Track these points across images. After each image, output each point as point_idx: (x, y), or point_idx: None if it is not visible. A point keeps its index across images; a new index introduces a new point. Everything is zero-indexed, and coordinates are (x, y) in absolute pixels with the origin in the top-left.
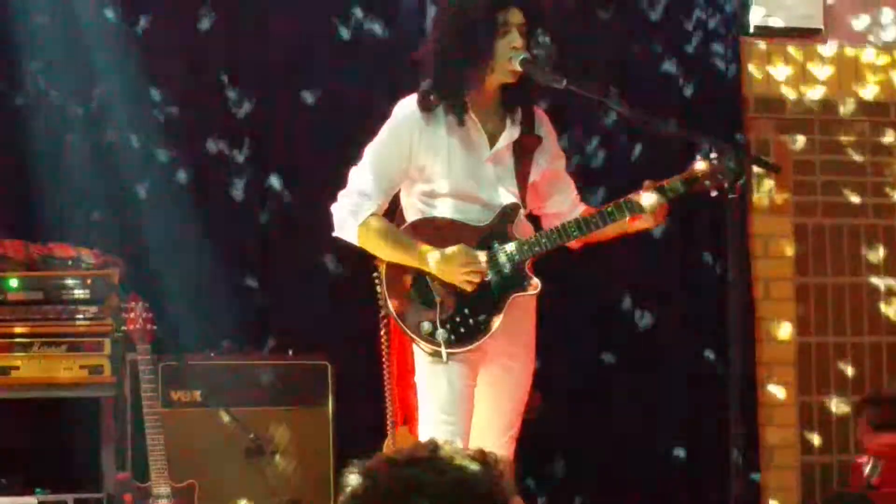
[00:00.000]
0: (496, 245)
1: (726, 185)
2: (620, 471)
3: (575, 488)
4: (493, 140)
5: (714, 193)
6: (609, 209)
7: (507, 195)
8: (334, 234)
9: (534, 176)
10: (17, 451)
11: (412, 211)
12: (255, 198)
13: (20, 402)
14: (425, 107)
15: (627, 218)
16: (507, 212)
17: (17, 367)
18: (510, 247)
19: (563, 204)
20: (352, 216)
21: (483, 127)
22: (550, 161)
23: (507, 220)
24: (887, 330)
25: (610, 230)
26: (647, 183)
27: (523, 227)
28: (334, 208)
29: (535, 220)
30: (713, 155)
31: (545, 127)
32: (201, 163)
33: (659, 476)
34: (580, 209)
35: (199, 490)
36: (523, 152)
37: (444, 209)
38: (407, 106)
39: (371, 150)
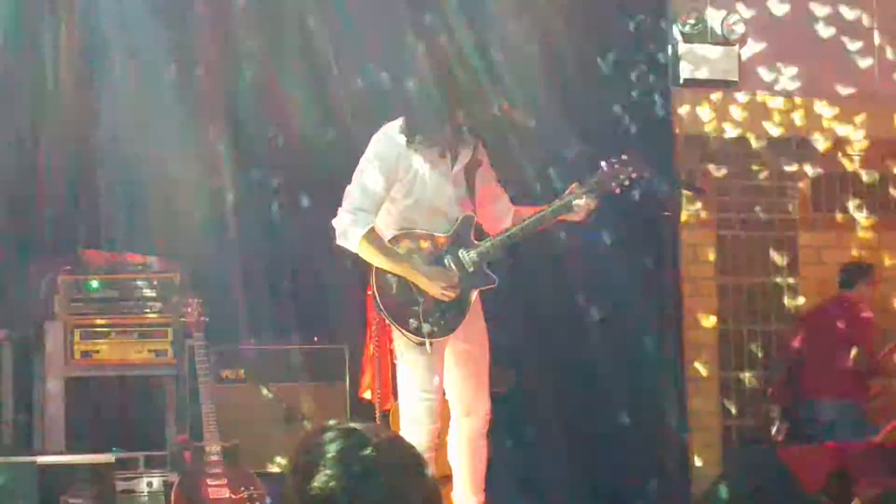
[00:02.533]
0: (461, 251)
1: (627, 184)
2: (579, 433)
3: (543, 447)
4: (453, 161)
5: (618, 191)
6: (544, 213)
7: (464, 208)
8: (337, 242)
9: (478, 190)
10: (98, 417)
11: (390, 223)
12: (288, 215)
13: (101, 379)
14: (409, 136)
15: (561, 215)
16: (466, 222)
17: (98, 351)
18: (473, 252)
19: (502, 209)
20: (354, 228)
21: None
22: (488, 177)
23: (467, 230)
24: (789, 319)
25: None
26: (573, 185)
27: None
28: (336, 222)
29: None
30: (613, 160)
31: (482, 150)
32: (245, 188)
33: (609, 436)
34: (513, 210)
35: (242, 448)
36: (471, 172)
37: (419, 222)
38: (390, 134)
39: (362, 173)
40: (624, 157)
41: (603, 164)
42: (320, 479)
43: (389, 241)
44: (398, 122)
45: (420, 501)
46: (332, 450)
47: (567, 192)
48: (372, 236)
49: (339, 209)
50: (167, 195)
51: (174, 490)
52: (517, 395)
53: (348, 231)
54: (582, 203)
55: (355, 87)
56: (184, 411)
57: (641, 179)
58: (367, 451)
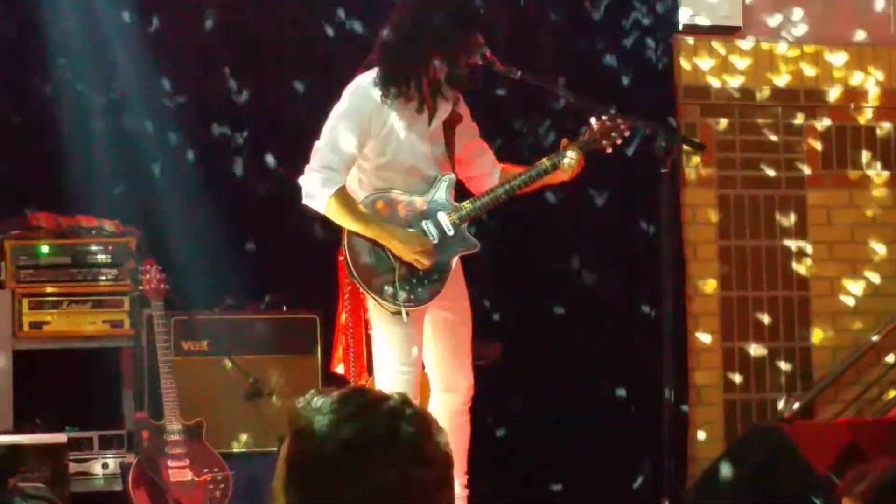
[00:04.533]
0: (440, 213)
1: (619, 142)
2: (570, 406)
3: (530, 422)
4: (430, 117)
5: (609, 150)
6: (530, 174)
7: (443, 168)
8: (303, 202)
9: (458, 148)
10: (50, 394)
11: (363, 183)
12: (253, 174)
13: (52, 353)
14: (383, 89)
15: (548, 174)
16: (445, 183)
17: (49, 322)
18: (453, 215)
19: (486, 166)
20: (322, 188)
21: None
22: (470, 133)
23: (446, 191)
24: (797, 285)
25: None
26: (563, 143)
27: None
28: (303, 180)
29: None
30: (604, 115)
31: (462, 104)
32: (206, 144)
33: (603, 411)
34: (499, 167)
35: (206, 426)
36: (450, 128)
37: (392, 182)
38: (364, 87)
39: (332, 128)
40: (615, 112)
41: (593, 120)
42: (344, 432)
43: (363, 203)
44: (372, 74)
45: (442, 457)
46: (350, 406)
47: (561, 148)
48: (341, 197)
49: (307, 167)
50: (124, 153)
51: (132, 472)
52: (505, 366)
53: (316, 191)
54: (570, 162)
55: (325, 36)
56: (141, 387)
57: (636, 135)
58: (389, 403)
